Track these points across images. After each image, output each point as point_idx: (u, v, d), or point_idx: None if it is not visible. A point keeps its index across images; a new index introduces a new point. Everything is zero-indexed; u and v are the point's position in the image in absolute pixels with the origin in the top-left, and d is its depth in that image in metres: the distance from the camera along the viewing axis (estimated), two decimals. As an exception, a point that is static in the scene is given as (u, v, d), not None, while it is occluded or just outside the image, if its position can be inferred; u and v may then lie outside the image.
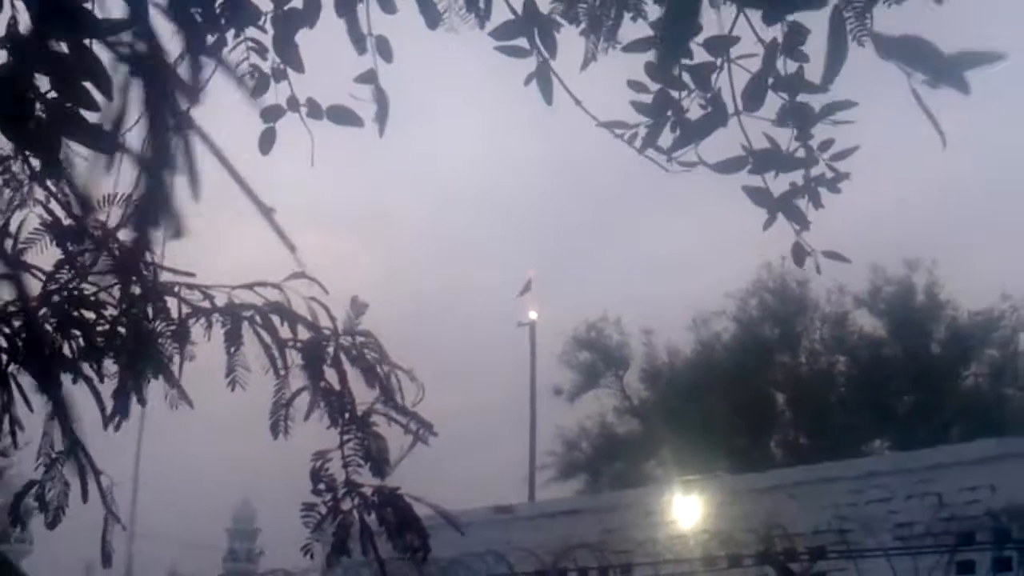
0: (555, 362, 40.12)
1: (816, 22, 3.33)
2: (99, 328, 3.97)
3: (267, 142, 3.73)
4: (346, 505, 4.33)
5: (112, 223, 4.49)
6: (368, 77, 3.94)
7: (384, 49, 3.91)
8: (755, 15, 3.47)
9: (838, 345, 37.37)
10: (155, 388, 4.56)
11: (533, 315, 37.84)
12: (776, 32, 3.69)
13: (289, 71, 3.65)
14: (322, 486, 4.28)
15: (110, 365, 4.25)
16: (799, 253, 4.33)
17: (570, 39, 3.99)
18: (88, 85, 2.48)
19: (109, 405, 4.39)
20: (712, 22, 3.64)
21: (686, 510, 20.66)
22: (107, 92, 2.71)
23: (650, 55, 3.85)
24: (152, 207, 1.66)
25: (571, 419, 40.19)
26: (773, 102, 3.97)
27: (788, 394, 37.24)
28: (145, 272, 4.32)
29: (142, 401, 4.44)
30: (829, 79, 2.62)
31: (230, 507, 57.89)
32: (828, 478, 19.20)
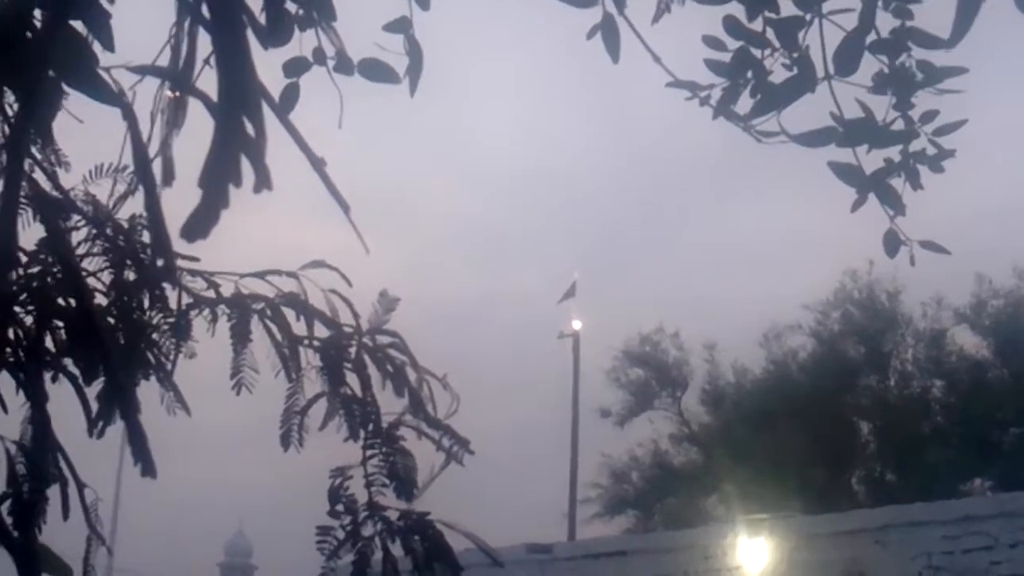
0: (602, 379, 40.15)
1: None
2: (86, 319, 3.98)
3: (289, 100, 3.73)
4: (367, 530, 4.31)
5: (104, 197, 4.53)
6: (400, 25, 3.92)
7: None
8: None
9: (934, 367, 37.04)
10: (147, 391, 4.56)
11: (577, 325, 37.91)
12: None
13: (317, 18, 3.64)
14: (341, 507, 4.27)
15: (97, 362, 4.25)
16: (892, 242, 4.31)
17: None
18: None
19: (95, 408, 4.40)
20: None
21: (752, 554, 20.54)
22: (105, 40, 2.72)
23: (730, 7, 3.82)
24: (229, 159, 1.68)
25: (620, 446, 40.15)
26: (869, 65, 3.94)
27: (874, 423, 36.97)
28: (142, 255, 4.33)
29: (132, 406, 4.44)
30: (958, 35, 2.56)
31: (223, 538, 58.29)
32: (919, 521, 19.02)
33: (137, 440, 2.48)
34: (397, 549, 4.35)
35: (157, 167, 2.75)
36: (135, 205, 4.55)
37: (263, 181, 1.86)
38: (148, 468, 3.25)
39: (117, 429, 4.46)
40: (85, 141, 4.25)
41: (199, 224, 1.87)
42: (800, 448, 34.26)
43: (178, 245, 3.32)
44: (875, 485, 36.00)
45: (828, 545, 19.31)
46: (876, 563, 18.41)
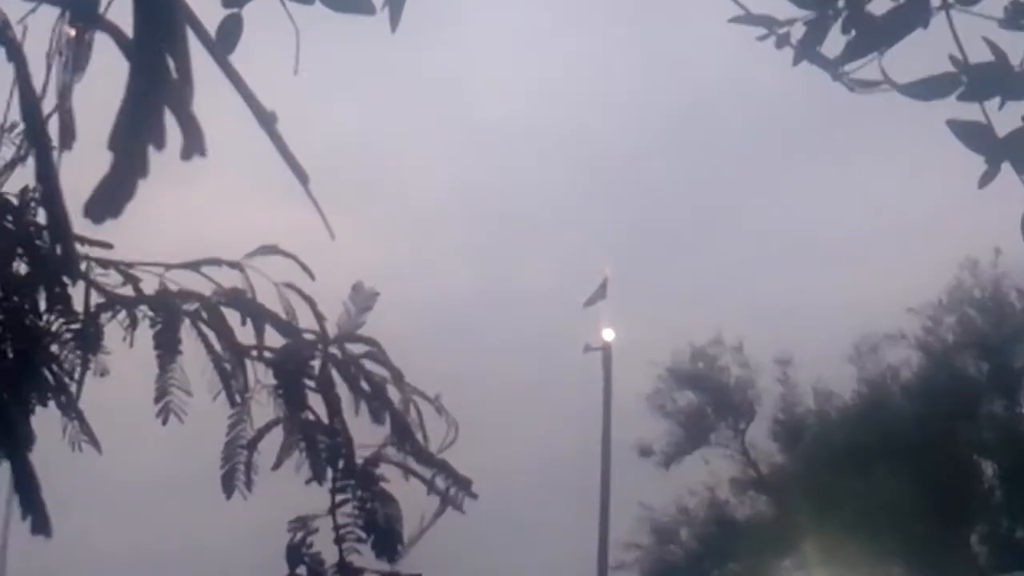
0: (641, 406, 40.15)
1: None
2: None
3: (229, 36, 3.71)
4: (339, 601, 4.32)
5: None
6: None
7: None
8: None
9: (1081, 388, 37.09)
10: (47, 419, 4.56)
11: (608, 335, 37.90)
12: None
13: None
14: (303, 571, 4.27)
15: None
16: (1032, 224, 4.30)
17: None
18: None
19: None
20: None
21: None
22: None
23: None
24: (147, 112, 1.67)
25: (664, 493, 40.16)
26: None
27: (1000, 463, 36.94)
28: (38, 240, 4.33)
29: (21, 440, 4.45)
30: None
31: (143, 619, 58.42)
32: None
33: (26, 487, 2.47)
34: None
35: (53, 125, 2.75)
36: (27, 175, 4.55)
37: (193, 143, 1.85)
38: (40, 524, 3.25)
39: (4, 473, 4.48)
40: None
41: (109, 199, 1.86)
42: (903, 496, 34.28)
43: (82, 227, 3.32)
44: (1002, 545, 35.98)
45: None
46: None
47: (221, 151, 2.46)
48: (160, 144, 1.92)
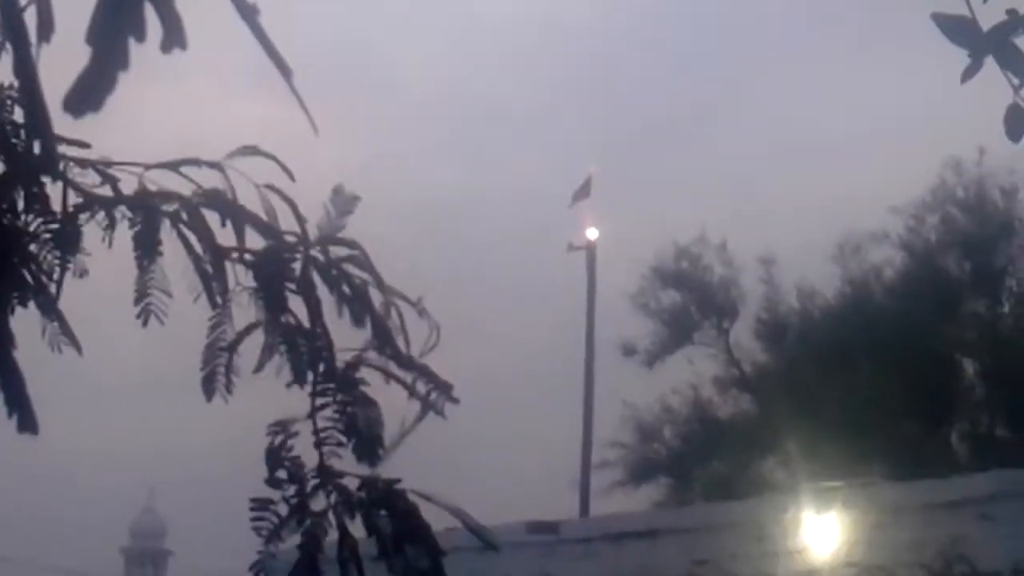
0: (626, 305, 40.20)
1: None
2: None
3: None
4: (318, 504, 4.31)
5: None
6: None
7: None
8: None
9: (1063, 289, 37.18)
10: (25, 321, 4.53)
11: (592, 234, 37.89)
12: None
13: None
14: (283, 474, 4.26)
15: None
16: (1017, 120, 4.30)
17: None
18: None
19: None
20: None
21: (822, 533, 20.72)
22: None
23: None
24: (127, 4, 1.63)
25: (649, 393, 40.33)
26: None
27: (982, 361, 37.12)
28: (14, 139, 4.28)
29: (3, 339, 4.43)
30: None
31: (127, 516, 58.81)
32: (1041, 490, 19.21)
33: (12, 384, 2.45)
34: (357, 528, 4.36)
35: (31, 17, 2.70)
36: (4, 72, 4.49)
37: (174, 35, 1.81)
38: (27, 421, 3.24)
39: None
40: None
41: (89, 92, 1.82)
42: (885, 395, 34.43)
43: (61, 124, 3.28)
44: (982, 443, 36.22)
45: (921, 521, 19.48)
46: (982, 543, 18.57)
47: (201, 47, 2.42)
48: (140, 36, 1.88)
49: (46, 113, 2.16)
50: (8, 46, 4.34)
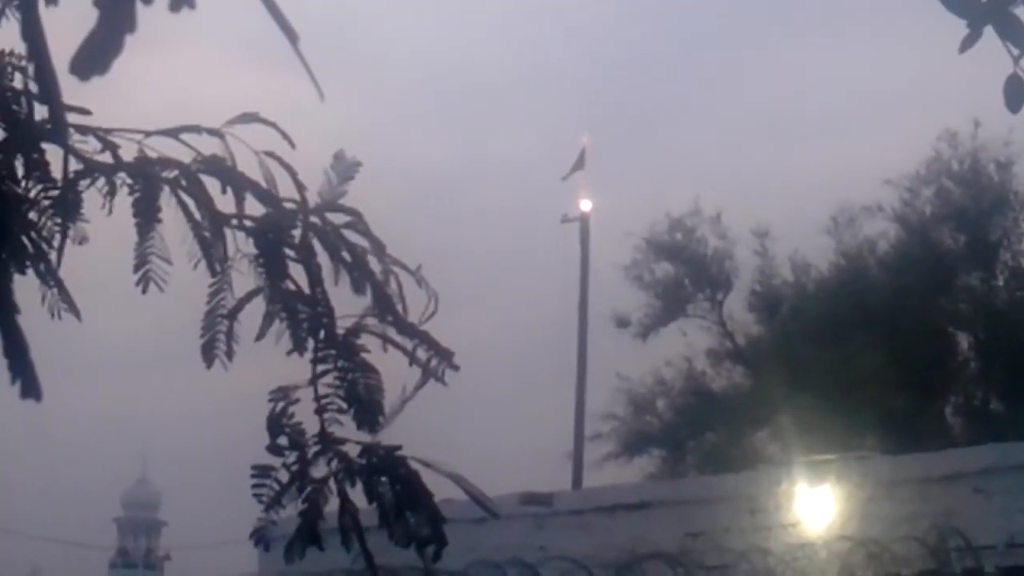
0: (619, 277, 40.21)
1: None
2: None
3: None
4: (319, 471, 4.31)
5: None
6: None
7: None
8: None
9: (1057, 261, 37.19)
10: (25, 288, 4.53)
11: (586, 205, 37.88)
12: None
13: None
14: (283, 441, 4.27)
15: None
16: (1016, 90, 4.30)
17: None
18: None
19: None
20: None
21: (815, 506, 20.77)
22: None
23: None
24: None
25: (642, 365, 40.37)
26: None
27: (976, 335, 37.18)
28: (14, 107, 4.27)
29: (7, 303, 4.43)
30: None
31: (121, 485, 58.81)
32: (1034, 463, 19.24)
33: (16, 349, 2.45)
34: (358, 495, 4.37)
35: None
36: (3, 38, 4.48)
37: None
38: (30, 387, 3.23)
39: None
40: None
41: (96, 54, 1.81)
42: (878, 368, 34.50)
43: (65, 92, 3.27)
44: (976, 417, 36.31)
45: (914, 494, 19.53)
46: (977, 517, 18.63)
47: (203, 16, 2.42)
48: None
49: (55, 78, 2.15)
50: (9, 12, 4.36)
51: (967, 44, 4.21)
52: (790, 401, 34.12)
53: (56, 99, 2.25)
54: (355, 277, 4.45)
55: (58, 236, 4.54)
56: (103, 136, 4.48)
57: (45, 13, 2.50)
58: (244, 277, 4.52)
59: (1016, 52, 4.25)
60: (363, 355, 4.40)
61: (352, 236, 4.52)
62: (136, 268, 4.57)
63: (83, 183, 4.51)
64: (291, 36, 2.29)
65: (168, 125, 4.57)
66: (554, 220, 38.38)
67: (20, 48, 4.39)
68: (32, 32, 2.22)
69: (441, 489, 4.42)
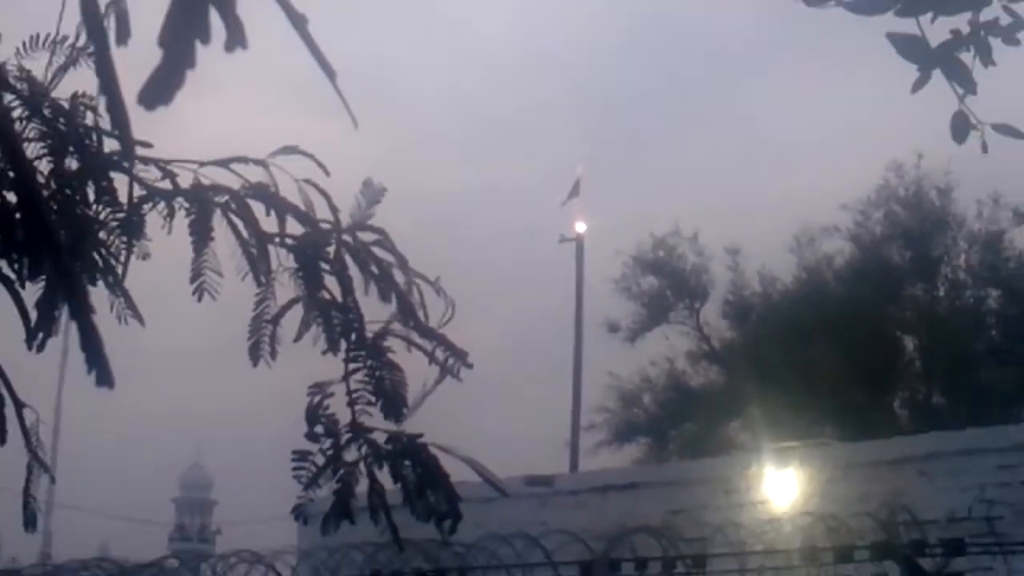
0: (610, 289, 40.25)
1: None
2: (30, 206, 3.94)
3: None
4: (351, 455, 4.32)
5: (40, 73, 4.47)
6: None
7: None
8: None
9: (990, 275, 37.15)
10: (96, 299, 4.53)
11: (581, 227, 37.89)
12: None
13: None
14: (320, 429, 4.27)
15: (43, 259, 4.23)
16: (961, 125, 4.31)
17: None
18: None
19: (34, 317, 4.39)
20: None
21: (781, 487, 20.73)
22: None
23: None
24: (195, 10, 1.63)
25: (630, 365, 40.39)
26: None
27: (920, 338, 37.17)
28: (87, 141, 4.28)
29: (85, 304, 4.42)
30: None
31: (178, 469, 58.87)
32: (971, 449, 19.18)
33: (92, 344, 2.45)
34: (384, 476, 4.37)
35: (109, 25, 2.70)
36: (76, 82, 4.50)
37: (236, 36, 1.81)
38: (104, 376, 3.22)
39: (57, 344, 4.47)
40: (15, 5, 4.19)
41: (161, 87, 1.82)
42: (836, 367, 34.47)
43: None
44: (921, 409, 36.27)
45: (867, 476, 19.48)
46: (921, 496, 18.57)
47: (250, 64, 2.43)
48: (205, 38, 1.89)
49: (125, 110, 2.16)
50: (84, 55, 4.38)
51: (918, 85, 4.21)
52: (759, 396, 34.16)
53: (126, 128, 2.25)
54: (382, 287, 4.45)
55: (124, 253, 4.55)
56: (163, 166, 4.49)
57: (115, 53, 2.50)
58: (285, 288, 4.52)
59: (961, 91, 4.26)
60: (389, 355, 4.40)
61: (379, 252, 4.52)
62: (192, 280, 4.57)
63: (146, 207, 4.52)
64: (329, 72, 2.30)
65: (219, 156, 4.58)
66: (553, 240, 38.42)
67: (91, 90, 4.42)
68: (104, 69, 2.23)
69: (457, 471, 4.43)
